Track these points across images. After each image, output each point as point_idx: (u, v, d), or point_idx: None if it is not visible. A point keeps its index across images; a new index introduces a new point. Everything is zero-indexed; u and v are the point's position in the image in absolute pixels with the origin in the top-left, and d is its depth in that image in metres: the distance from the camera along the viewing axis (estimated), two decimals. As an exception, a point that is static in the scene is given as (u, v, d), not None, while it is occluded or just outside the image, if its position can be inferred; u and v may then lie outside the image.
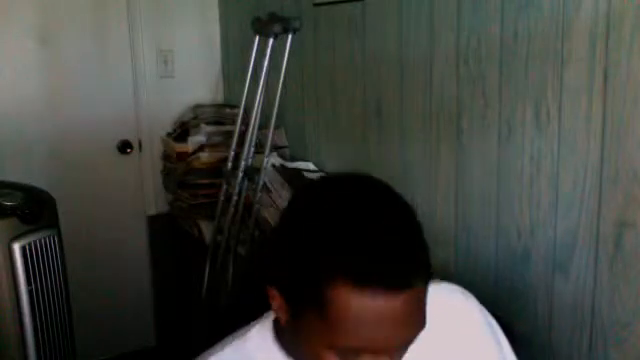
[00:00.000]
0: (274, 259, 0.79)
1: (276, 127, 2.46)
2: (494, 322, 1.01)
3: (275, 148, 2.54)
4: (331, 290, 0.71)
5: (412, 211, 0.78)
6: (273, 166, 2.44)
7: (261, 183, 2.40)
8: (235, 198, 2.53)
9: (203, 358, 0.88)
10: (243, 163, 2.50)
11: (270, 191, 2.38)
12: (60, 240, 1.88)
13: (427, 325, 0.82)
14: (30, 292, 1.72)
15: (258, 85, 2.41)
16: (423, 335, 0.82)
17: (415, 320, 0.74)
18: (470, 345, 0.96)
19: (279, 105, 2.37)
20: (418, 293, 0.74)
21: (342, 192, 0.78)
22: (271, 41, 2.34)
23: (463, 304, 0.98)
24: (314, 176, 2.36)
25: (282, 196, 2.29)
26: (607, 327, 1.36)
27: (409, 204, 0.79)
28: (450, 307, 0.96)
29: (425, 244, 0.77)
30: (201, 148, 2.79)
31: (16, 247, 1.71)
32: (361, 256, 0.71)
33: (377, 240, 0.72)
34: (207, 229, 2.73)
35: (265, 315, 0.88)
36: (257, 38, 2.45)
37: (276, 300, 0.79)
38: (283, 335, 0.85)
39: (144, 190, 3.00)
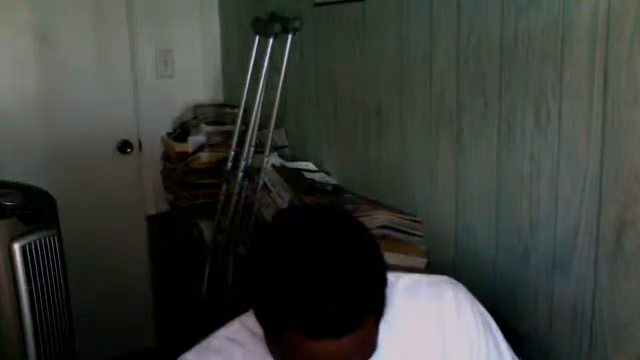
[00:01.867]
0: (246, 291, 0.85)
1: (276, 127, 2.46)
2: (486, 312, 1.03)
3: (275, 148, 2.54)
4: (286, 337, 0.78)
5: (369, 246, 0.82)
6: (273, 166, 2.44)
7: (261, 183, 2.40)
8: (235, 198, 2.53)
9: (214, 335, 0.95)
10: (243, 163, 2.50)
11: (270, 191, 2.38)
12: (60, 240, 1.88)
13: (416, 316, 0.93)
14: (30, 292, 1.72)
15: (258, 85, 2.41)
16: (411, 327, 0.92)
17: (365, 348, 0.79)
18: (460, 336, 0.97)
19: (279, 105, 2.38)
20: (369, 326, 0.78)
21: (296, 238, 0.82)
22: (271, 41, 2.34)
23: (452, 294, 1.00)
24: (314, 176, 2.36)
25: (282, 196, 2.29)
26: (607, 327, 1.36)
27: (368, 238, 0.83)
28: (439, 297, 0.98)
29: (380, 278, 0.81)
30: (201, 148, 2.79)
31: (16, 247, 1.71)
32: (308, 309, 0.76)
33: (324, 287, 0.76)
34: (207, 229, 2.73)
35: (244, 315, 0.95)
36: (257, 38, 2.45)
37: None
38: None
39: (144, 190, 3.00)
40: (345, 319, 0.76)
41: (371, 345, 0.80)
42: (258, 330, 0.87)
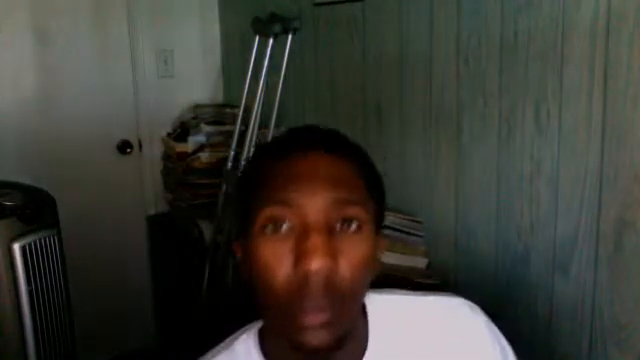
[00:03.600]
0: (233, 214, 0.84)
1: (276, 127, 2.46)
2: (503, 340, 0.93)
3: (275, 148, 2.54)
4: (260, 169, 0.77)
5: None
6: (273, 166, 2.44)
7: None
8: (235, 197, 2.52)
9: None
10: (243, 163, 2.50)
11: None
12: (60, 240, 1.88)
13: (430, 340, 0.84)
14: (30, 292, 1.72)
15: (258, 85, 2.41)
16: (425, 351, 0.83)
17: (343, 184, 0.75)
18: None
19: (279, 105, 2.38)
20: (347, 164, 0.77)
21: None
22: (271, 41, 2.34)
23: (469, 320, 0.90)
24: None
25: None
26: (607, 327, 1.37)
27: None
28: (455, 322, 0.88)
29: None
30: (201, 148, 2.79)
31: (16, 247, 1.71)
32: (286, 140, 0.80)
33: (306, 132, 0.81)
34: (207, 229, 2.73)
35: (250, 325, 0.87)
36: (257, 38, 2.45)
37: (237, 249, 0.82)
38: (267, 341, 0.84)
39: (144, 190, 3.00)
40: (333, 141, 0.80)
41: (352, 189, 0.75)
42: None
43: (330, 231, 0.72)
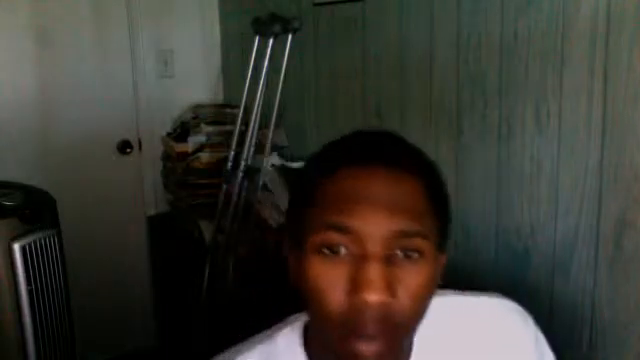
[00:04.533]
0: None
1: (276, 127, 2.46)
2: (548, 356, 0.91)
3: (275, 148, 2.54)
4: (314, 184, 0.72)
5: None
6: (273, 166, 2.44)
7: (261, 183, 2.40)
8: (235, 198, 2.53)
9: (229, 357, 0.82)
10: (243, 163, 2.50)
11: (270, 191, 2.38)
12: (60, 240, 1.88)
13: (476, 344, 0.81)
14: (30, 292, 1.72)
15: (258, 85, 2.41)
16: (470, 356, 0.80)
17: (406, 211, 0.69)
18: None
19: (279, 105, 2.37)
20: (413, 184, 0.71)
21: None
22: (271, 41, 2.34)
23: (519, 329, 0.86)
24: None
25: (282, 196, 2.29)
26: (607, 327, 1.36)
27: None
28: (503, 328, 0.85)
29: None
30: (201, 148, 2.79)
31: (16, 247, 1.71)
32: (357, 143, 0.75)
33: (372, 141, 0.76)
34: (207, 229, 2.73)
35: (295, 317, 0.83)
36: (257, 38, 2.45)
37: (289, 252, 0.77)
38: (311, 340, 0.80)
39: (144, 190, 3.00)
40: (395, 152, 0.74)
41: (414, 213, 0.69)
42: (278, 357, 0.80)
43: (389, 260, 0.67)
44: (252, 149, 2.51)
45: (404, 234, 0.68)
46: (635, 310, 1.30)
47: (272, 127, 2.43)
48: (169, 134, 2.95)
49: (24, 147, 2.65)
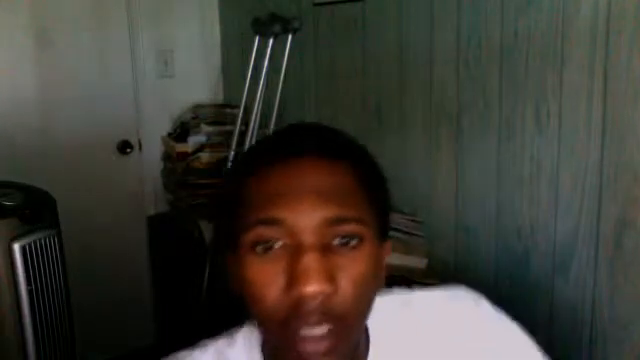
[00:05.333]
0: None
1: (276, 127, 2.46)
2: (514, 328, 0.85)
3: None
4: (244, 178, 0.69)
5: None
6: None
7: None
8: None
9: (182, 357, 0.80)
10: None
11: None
12: (60, 240, 1.88)
13: (432, 338, 0.79)
14: (30, 292, 1.72)
15: (258, 85, 2.41)
16: (428, 351, 0.78)
17: (338, 197, 0.66)
18: None
19: (279, 105, 2.37)
20: (342, 171, 0.68)
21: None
22: (271, 41, 2.34)
23: (471, 312, 0.83)
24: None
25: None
26: (607, 327, 1.36)
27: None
28: (455, 316, 0.82)
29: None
30: (201, 148, 2.79)
31: (16, 247, 1.71)
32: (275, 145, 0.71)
33: (302, 134, 0.73)
34: (207, 229, 2.73)
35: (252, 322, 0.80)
36: (257, 38, 2.44)
37: (228, 259, 0.73)
38: (268, 344, 0.77)
39: (144, 190, 3.00)
40: (323, 141, 0.70)
41: (348, 201, 0.66)
42: (232, 354, 0.78)
43: (326, 249, 0.64)
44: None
45: (338, 220, 0.65)
46: (635, 310, 1.30)
47: (272, 127, 2.42)
48: (169, 134, 2.95)
49: (24, 147, 2.65)
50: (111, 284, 2.84)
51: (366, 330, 0.77)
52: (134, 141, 2.92)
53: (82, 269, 2.49)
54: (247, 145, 2.50)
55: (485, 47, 1.60)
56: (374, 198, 0.70)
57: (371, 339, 0.77)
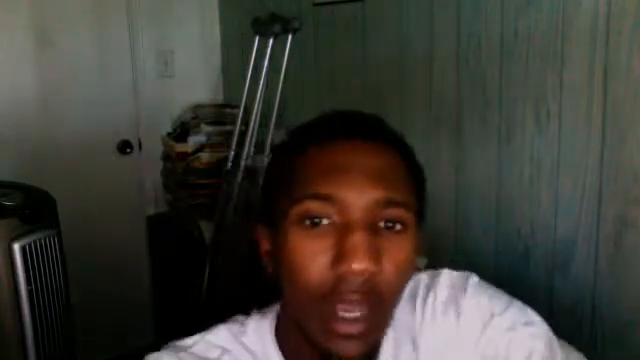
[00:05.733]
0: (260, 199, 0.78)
1: (276, 127, 2.46)
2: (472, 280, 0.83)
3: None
4: (295, 156, 0.71)
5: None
6: (273, 166, 2.43)
7: (261, 183, 2.39)
8: (235, 198, 2.53)
9: (194, 341, 0.79)
10: (243, 163, 2.50)
11: (270, 191, 2.37)
12: (60, 240, 1.88)
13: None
14: (30, 292, 1.72)
15: (258, 85, 2.41)
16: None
17: (390, 180, 0.68)
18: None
19: (279, 105, 2.37)
20: (393, 156, 0.71)
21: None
22: (271, 41, 2.34)
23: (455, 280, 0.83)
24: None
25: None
26: (607, 326, 1.36)
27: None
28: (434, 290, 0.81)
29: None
30: (201, 148, 2.79)
31: (16, 247, 1.71)
32: (329, 122, 0.74)
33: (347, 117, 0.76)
34: (207, 229, 2.73)
35: (268, 309, 0.80)
36: (257, 38, 2.44)
37: (260, 232, 0.75)
38: (284, 328, 0.76)
39: (144, 190, 3.00)
40: (373, 126, 0.74)
41: (395, 185, 0.68)
42: (245, 339, 0.77)
43: (373, 230, 0.65)
44: (252, 149, 2.51)
45: (388, 202, 0.66)
46: (635, 309, 1.30)
47: (272, 127, 2.42)
48: (169, 134, 2.95)
49: (24, 147, 2.65)
50: (111, 284, 2.84)
51: None
52: (134, 141, 2.92)
53: (82, 269, 2.49)
54: (247, 145, 2.50)
55: (485, 47, 1.60)
56: (417, 186, 0.73)
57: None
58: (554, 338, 0.79)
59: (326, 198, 0.65)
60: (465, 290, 0.81)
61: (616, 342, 1.35)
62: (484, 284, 0.85)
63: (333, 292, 0.64)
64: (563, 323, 1.47)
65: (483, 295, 0.82)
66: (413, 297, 0.80)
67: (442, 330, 0.77)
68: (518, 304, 0.82)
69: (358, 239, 0.63)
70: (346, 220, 0.65)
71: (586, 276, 1.40)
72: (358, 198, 0.65)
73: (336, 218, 0.66)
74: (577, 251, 1.42)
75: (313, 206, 0.66)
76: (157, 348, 0.77)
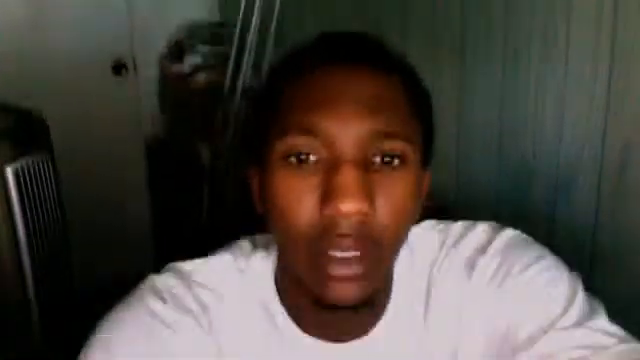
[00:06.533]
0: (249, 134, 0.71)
1: (275, 47, 2.40)
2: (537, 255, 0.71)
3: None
4: (281, 85, 0.63)
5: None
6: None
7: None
8: (233, 120, 2.49)
9: (196, 265, 0.74)
10: (241, 84, 2.45)
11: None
12: (54, 163, 1.85)
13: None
14: (25, 217, 1.70)
15: (255, 1, 2.34)
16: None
17: (386, 109, 0.60)
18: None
19: (277, 24, 2.31)
20: (393, 82, 0.63)
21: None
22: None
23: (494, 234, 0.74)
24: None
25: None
26: (607, 252, 1.35)
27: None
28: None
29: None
30: (198, 69, 2.72)
31: (9, 170, 1.68)
32: (325, 43, 0.66)
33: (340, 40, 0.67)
34: (205, 152, 2.71)
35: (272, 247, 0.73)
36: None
37: (252, 175, 0.69)
38: (280, 280, 0.71)
39: (141, 113, 2.95)
40: (372, 49, 0.65)
41: (392, 116, 0.60)
42: (247, 278, 0.71)
43: (366, 166, 0.59)
44: (250, 69, 2.46)
45: (384, 135, 0.59)
46: (635, 238, 1.29)
47: (270, 47, 2.36)
48: (164, 55, 2.88)
49: (14, 69, 2.58)
50: (109, 209, 2.83)
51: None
52: (129, 62, 2.84)
53: (79, 195, 2.47)
54: (244, 66, 2.44)
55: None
56: (422, 119, 0.65)
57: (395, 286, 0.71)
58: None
59: (312, 131, 0.59)
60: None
61: (615, 268, 1.35)
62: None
63: (323, 237, 0.59)
64: (564, 248, 1.46)
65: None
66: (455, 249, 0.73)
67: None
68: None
69: (346, 176, 0.57)
70: (335, 155, 0.59)
71: (588, 203, 1.38)
72: (346, 130, 0.59)
73: (324, 154, 0.59)
74: (580, 177, 1.40)
75: (298, 140, 0.60)
76: (158, 269, 0.75)
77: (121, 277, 2.96)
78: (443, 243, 0.74)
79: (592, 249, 1.38)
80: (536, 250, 0.72)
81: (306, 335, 0.69)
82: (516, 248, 0.71)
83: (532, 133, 1.50)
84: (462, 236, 0.73)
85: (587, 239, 1.39)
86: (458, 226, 0.75)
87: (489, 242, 0.72)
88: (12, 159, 1.71)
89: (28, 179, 1.72)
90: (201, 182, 2.71)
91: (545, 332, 0.64)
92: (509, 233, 0.73)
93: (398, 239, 0.63)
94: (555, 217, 1.47)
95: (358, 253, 0.59)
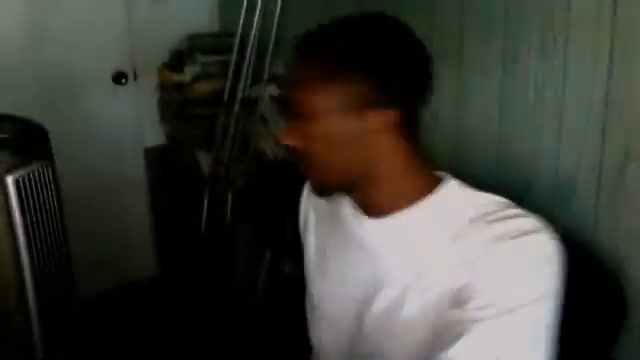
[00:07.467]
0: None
1: (274, 57, 2.41)
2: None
3: (273, 78, 2.49)
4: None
5: (406, 34, 1.10)
6: (271, 97, 2.39)
7: (259, 114, 2.36)
8: (233, 129, 2.50)
9: None
10: (240, 94, 2.46)
11: (267, 122, 2.35)
12: (54, 172, 1.85)
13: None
14: (26, 225, 1.71)
15: (255, 11, 2.35)
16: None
17: (298, 84, 0.98)
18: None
19: (276, 34, 2.31)
20: (307, 66, 0.98)
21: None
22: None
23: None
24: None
25: (279, 126, 2.25)
26: (606, 253, 1.35)
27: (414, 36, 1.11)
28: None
29: (386, 52, 1.01)
30: (198, 78, 2.73)
31: (9, 180, 1.68)
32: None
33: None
34: (205, 161, 2.72)
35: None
36: (253, -38, 2.36)
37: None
38: None
39: (141, 122, 2.96)
40: (306, 40, 1.00)
41: (305, 90, 0.97)
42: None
43: (297, 118, 0.99)
44: (249, 79, 2.47)
45: (294, 100, 1.00)
46: (634, 243, 1.29)
47: (269, 56, 2.37)
48: (165, 64, 2.89)
49: (16, 79, 2.59)
50: (110, 216, 2.84)
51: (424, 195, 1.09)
52: (129, 71, 2.86)
53: (80, 202, 2.47)
54: (244, 75, 2.45)
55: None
56: (347, 82, 0.94)
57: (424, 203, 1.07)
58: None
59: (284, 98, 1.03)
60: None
61: (615, 267, 1.34)
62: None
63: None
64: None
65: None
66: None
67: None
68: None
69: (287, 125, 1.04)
70: None
71: (587, 206, 1.38)
72: (289, 97, 1.02)
73: None
74: (579, 181, 1.40)
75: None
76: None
77: (122, 284, 2.99)
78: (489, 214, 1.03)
79: (591, 250, 1.38)
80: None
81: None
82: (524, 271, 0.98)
83: (531, 133, 1.50)
84: (508, 218, 1.01)
85: (587, 240, 1.39)
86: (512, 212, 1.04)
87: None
88: (12, 168, 1.71)
89: (29, 188, 1.73)
90: (201, 190, 2.72)
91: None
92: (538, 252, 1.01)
93: (332, 164, 1.01)
94: (554, 218, 1.47)
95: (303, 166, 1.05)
